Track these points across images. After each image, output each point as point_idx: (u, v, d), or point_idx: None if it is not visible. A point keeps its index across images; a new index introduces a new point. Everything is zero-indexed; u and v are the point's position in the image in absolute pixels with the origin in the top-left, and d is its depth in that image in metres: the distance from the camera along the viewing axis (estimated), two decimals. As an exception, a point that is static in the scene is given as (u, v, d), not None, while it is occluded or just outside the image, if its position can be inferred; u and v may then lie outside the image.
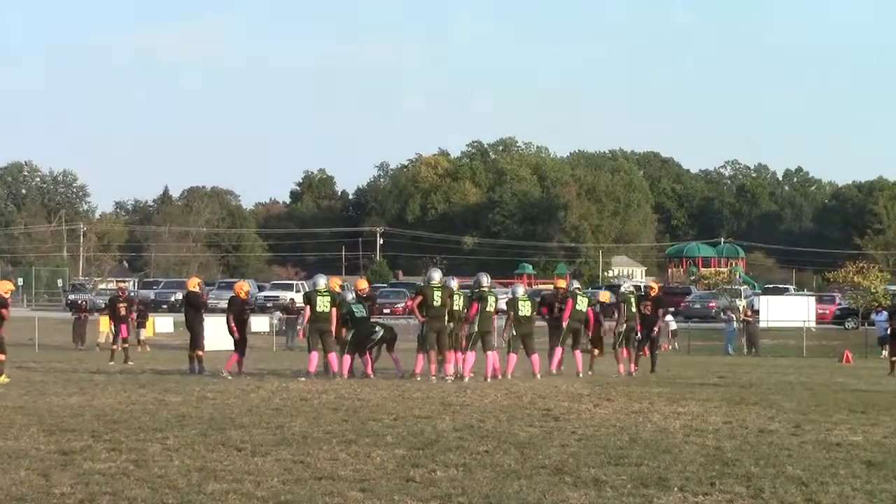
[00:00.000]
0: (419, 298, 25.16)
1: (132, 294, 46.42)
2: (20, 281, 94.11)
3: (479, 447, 14.08)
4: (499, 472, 12.38)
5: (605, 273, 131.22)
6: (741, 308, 59.32)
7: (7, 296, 25.48)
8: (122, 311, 35.63)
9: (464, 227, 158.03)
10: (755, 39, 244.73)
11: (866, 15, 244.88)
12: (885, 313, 40.11)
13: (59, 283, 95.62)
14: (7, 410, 18.19)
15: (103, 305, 49.16)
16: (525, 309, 26.02)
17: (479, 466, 12.70)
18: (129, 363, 32.64)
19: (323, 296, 25.06)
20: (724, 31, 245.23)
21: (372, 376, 25.25)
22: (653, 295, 30.55)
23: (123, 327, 35.25)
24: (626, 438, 15.18)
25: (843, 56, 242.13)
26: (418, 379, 24.61)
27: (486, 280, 26.02)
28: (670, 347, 50.56)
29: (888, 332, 33.44)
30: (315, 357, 25.00)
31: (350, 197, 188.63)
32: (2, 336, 24.71)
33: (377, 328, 26.11)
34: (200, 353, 27.82)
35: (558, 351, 27.70)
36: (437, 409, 18.55)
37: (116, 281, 70.55)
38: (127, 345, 34.83)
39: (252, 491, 11.19)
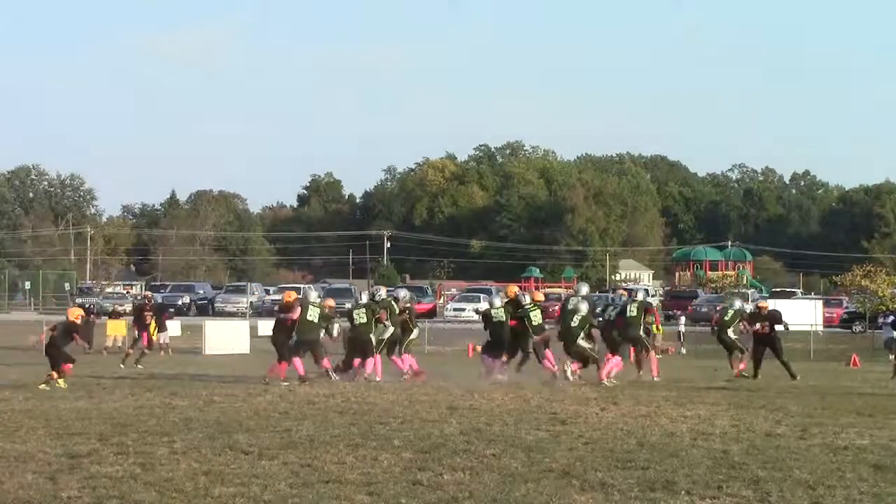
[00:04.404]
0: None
1: (158, 302, 46.25)
2: (27, 284, 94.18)
3: (486, 451, 14.09)
4: (506, 475, 12.39)
5: (613, 276, 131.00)
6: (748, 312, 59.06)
7: (78, 321, 26.37)
8: (147, 319, 35.63)
9: (471, 230, 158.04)
10: (762, 42, 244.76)
11: (874, 18, 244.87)
12: (891, 317, 40.11)
13: (67, 286, 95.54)
14: (14, 414, 18.24)
15: (110, 309, 49.09)
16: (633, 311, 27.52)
17: (486, 470, 12.71)
18: (139, 367, 32.61)
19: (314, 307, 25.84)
20: (731, 34, 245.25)
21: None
22: (766, 312, 30.43)
23: (145, 335, 35.20)
24: (633, 442, 15.19)
25: (850, 59, 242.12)
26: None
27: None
28: (676, 351, 50.52)
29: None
30: (299, 363, 25.38)
31: (357, 200, 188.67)
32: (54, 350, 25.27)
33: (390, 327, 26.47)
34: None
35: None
36: (444, 413, 18.56)
37: (144, 289, 70.34)
38: (145, 352, 34.70)
39: (259, 494, 11.21)
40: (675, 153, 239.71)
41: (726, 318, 29.60)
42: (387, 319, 26.31)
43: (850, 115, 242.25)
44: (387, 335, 26.38)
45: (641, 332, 27.44)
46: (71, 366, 25.18)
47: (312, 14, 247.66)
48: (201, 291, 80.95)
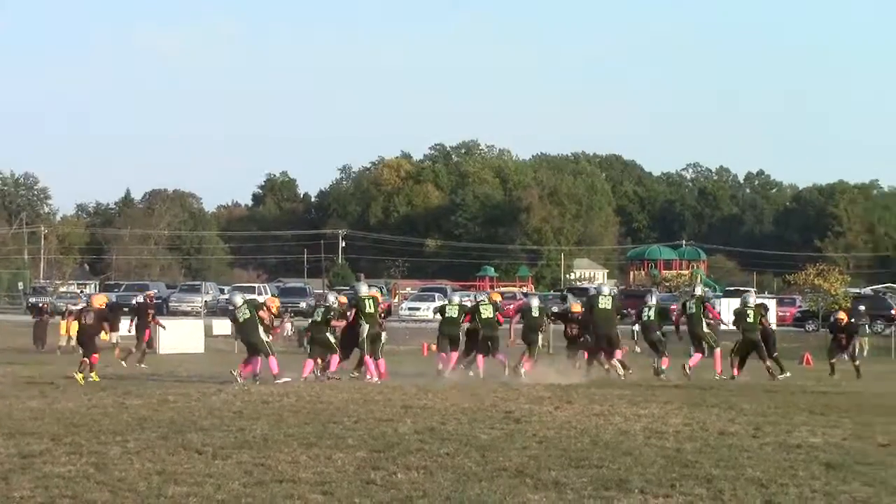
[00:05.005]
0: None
1: (158, 301, 46.20)
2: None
3: (441, 450, 14.10)
4: (460, 474, 12.39)
5: (567, 276, 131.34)
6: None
7: (104, 308, 27.19)
8: (149, 318, 35.69)
9: (426, 229, 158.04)
10: (718, 42, 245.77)
11: (828, 17, 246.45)
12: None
13: (20, 285, 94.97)
14: (-34, 414, 18.10)
15: (64, 309, 48.92)
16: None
17: (440, 469, 12.72)
18: (143, 366, 32.54)
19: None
20: (687, 35, 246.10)
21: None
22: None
23: (147, 332, 35.28)
24: (587, 441, 15.22)
25: (805, 59, 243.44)
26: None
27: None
28: (630, 350, 50.64)
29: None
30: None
31: (312, 199, 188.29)
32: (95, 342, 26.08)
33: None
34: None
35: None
36: (399, 412, 18.56)
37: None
38: (148, 350, 34.89)
39: (212, 494, 11.18)
40: (630, 152, 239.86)
41: (749, 320, 28.84)
42: (361, 318, 26.14)
43: (804, 114, 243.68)
44: (364, 333, 26.10)
45: (706, 329, 28.10)
46: (97, 357, 25.96)
47: (265, 13, 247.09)
48: (155, 291, 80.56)
